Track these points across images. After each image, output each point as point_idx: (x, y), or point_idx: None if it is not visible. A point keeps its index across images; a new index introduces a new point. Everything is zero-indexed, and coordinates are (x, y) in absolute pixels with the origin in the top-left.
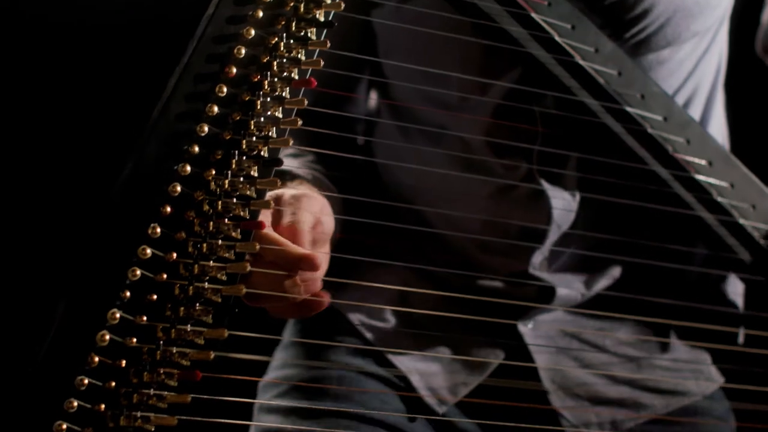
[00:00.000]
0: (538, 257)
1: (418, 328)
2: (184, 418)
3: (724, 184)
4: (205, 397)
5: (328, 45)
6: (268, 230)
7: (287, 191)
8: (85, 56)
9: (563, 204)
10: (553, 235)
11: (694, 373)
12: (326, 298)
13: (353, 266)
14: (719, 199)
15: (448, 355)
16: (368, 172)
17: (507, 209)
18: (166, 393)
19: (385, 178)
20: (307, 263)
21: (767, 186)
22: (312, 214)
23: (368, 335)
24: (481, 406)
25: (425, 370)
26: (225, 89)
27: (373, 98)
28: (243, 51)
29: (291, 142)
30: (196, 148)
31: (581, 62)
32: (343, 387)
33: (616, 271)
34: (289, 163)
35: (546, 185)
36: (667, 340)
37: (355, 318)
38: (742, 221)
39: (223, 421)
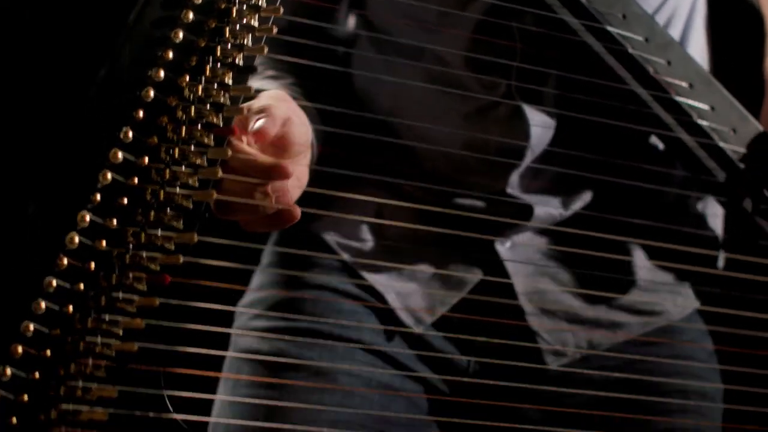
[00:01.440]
0: (516, 176)
1: (394, 247)
2: (154, 322)
3: (704, 106)
4: (176, 302)
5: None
6: (238, 142)
7: (257, 102)
8: None
9: (541, 122)
10: (531, 154)
11: (671, 294)
12: (297, 210)
13: (329, 183)
14: (699, 121)
15: (426, 271)
16: (346, 90)
17: (484, 128)
18: (134, 296)
19: (361, 96)
20: (277, 172)
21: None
22: (281, 117)
23: (345, 256)
24: (458, 325)
25: (402, 289)
26: None
27: (352, 18)
28: None
29: (266, 50)
30: (171, 54)
31: None
32: (319, 308)
33: (593, 192)
34: (267, 86)
35: (524, 104)
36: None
37: (332, 239)
38: (722, 144)
39: (202, 327)
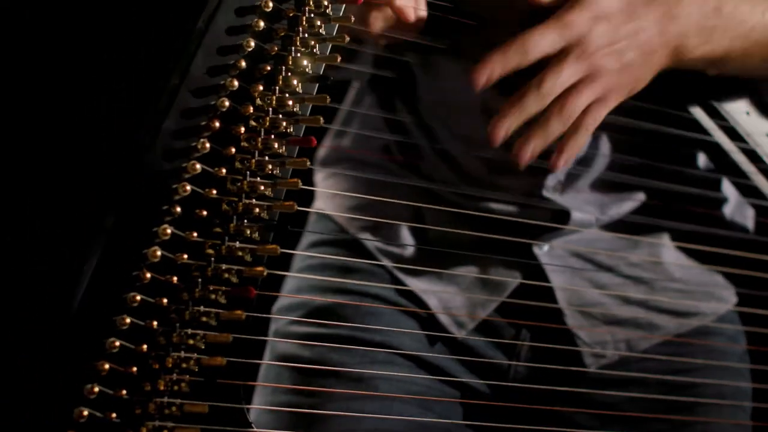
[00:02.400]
0: (552, 180)
1: (434, 251)
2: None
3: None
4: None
5: None
6: None
7: None
8: None
9: None
10: None
11: (706, 295)
12: None
13: (368, 188)
14: (737, 126)
15: (465, 274)
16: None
17: (521, 130)
18: (218, 311)
19: (403, 99)
20: None
21: None
22: None
23: (385, 261)
24: (498, 328)
25: (443, 294)
26: (271, 4)
27: None
28: None
29: (339, 59)
30: (243, 63)
31: None
32: (359, 314)
33: (633, 197)
34: None
35: None
36: (679, 262)
37: (371, 244)
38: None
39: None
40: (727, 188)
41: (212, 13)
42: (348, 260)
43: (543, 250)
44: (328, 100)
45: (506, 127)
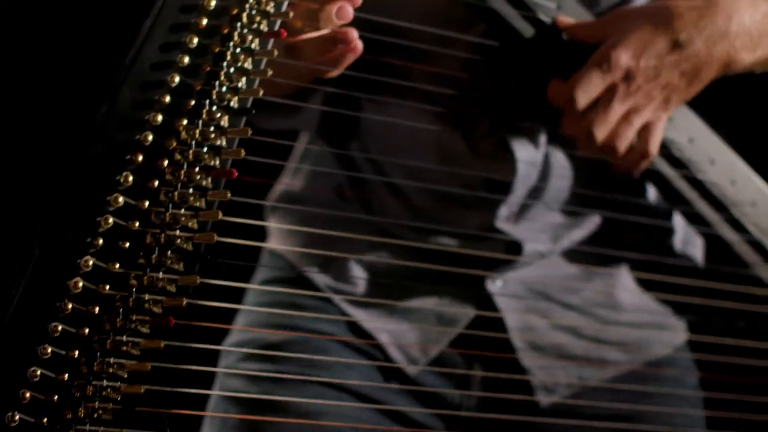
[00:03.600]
0: (504, 212)
1: (385, 285)
2: (160, 365)
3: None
4: (177, 343)
5: None
6: None
7: None
8: (58, 3)
9: (529, 158)
10: (518, 190)
11: (657, 329)
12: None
13: (318, 223)
14: (678, 154)
15: (417, 308)
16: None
17: (470, 164)
18: (139, 340)
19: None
20: None
21: None
22: None
23: (335, 297)
24: (450, 360)
25: (394, 328)
26: (195, 40)
27: None
28: (213, 2)
29: (261, 93)
30: (167, 98)
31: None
32: (308, 350)
33: (584, 226)
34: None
35: (511, 139)
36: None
37: (321, 281)
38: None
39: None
40: (678, 218)
41: (138, 50)
42: (298, 296)
43: (496, 286)
44: (250, 132)
45: None
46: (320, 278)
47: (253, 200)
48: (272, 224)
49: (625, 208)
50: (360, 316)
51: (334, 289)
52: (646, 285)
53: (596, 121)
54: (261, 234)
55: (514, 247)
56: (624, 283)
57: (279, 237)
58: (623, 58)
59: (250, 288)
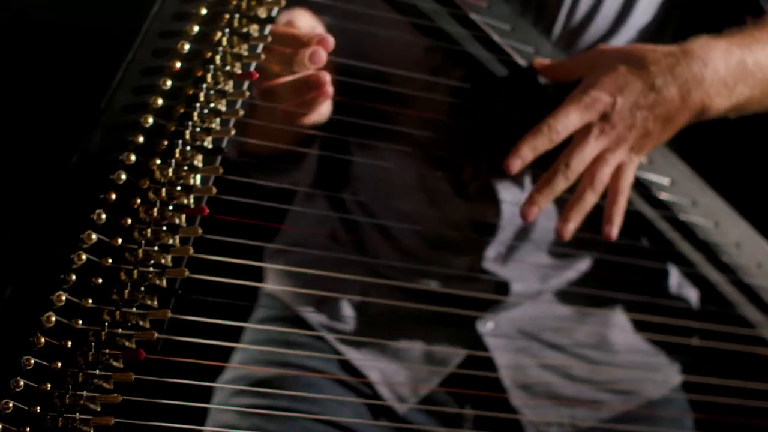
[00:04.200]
0: (493, 251)
1: (377, 325)
2: (134, 398)
3: (664, 180)
4: (154, 378)
5: (269, 39)
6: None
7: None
8: (33, 48)
9: (514, 199)
10: (504, 231)
11: (651, 369)
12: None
13: (311, 263)
14: (659, 195)
15: (408, 348)
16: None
17: (455, 205)
18: (111, 373)
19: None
20: (312, 36)
21: None
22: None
23: (327, 335)
24: (440, 399)
25: (385, 368)
26: (169, 82)
27: None
28: (186, 46)
29: (233, 132)
30: (141, 139)
31: (521, 61)
32: (299, 386)
33: (575, 267)
34: None
35: (495, 181)
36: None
37: (315, 320)
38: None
39: (180, 403)
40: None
41: (112, 92)
42: (291, 334)
43: (487, 328)
44: (221, 171)
45: (538, 207)
46: (314, 317)
47: (257, 242)
48: (269, 265)
49: (618, 249)
50: (351, 354)
51: (328, 328)
52: (640, 326)
53: (573, 155)
54: (258, 274)
55: (502, 288)
56: (618, 324)
57: (275, 277)
58: (602, 97)
59: (247, 327)
